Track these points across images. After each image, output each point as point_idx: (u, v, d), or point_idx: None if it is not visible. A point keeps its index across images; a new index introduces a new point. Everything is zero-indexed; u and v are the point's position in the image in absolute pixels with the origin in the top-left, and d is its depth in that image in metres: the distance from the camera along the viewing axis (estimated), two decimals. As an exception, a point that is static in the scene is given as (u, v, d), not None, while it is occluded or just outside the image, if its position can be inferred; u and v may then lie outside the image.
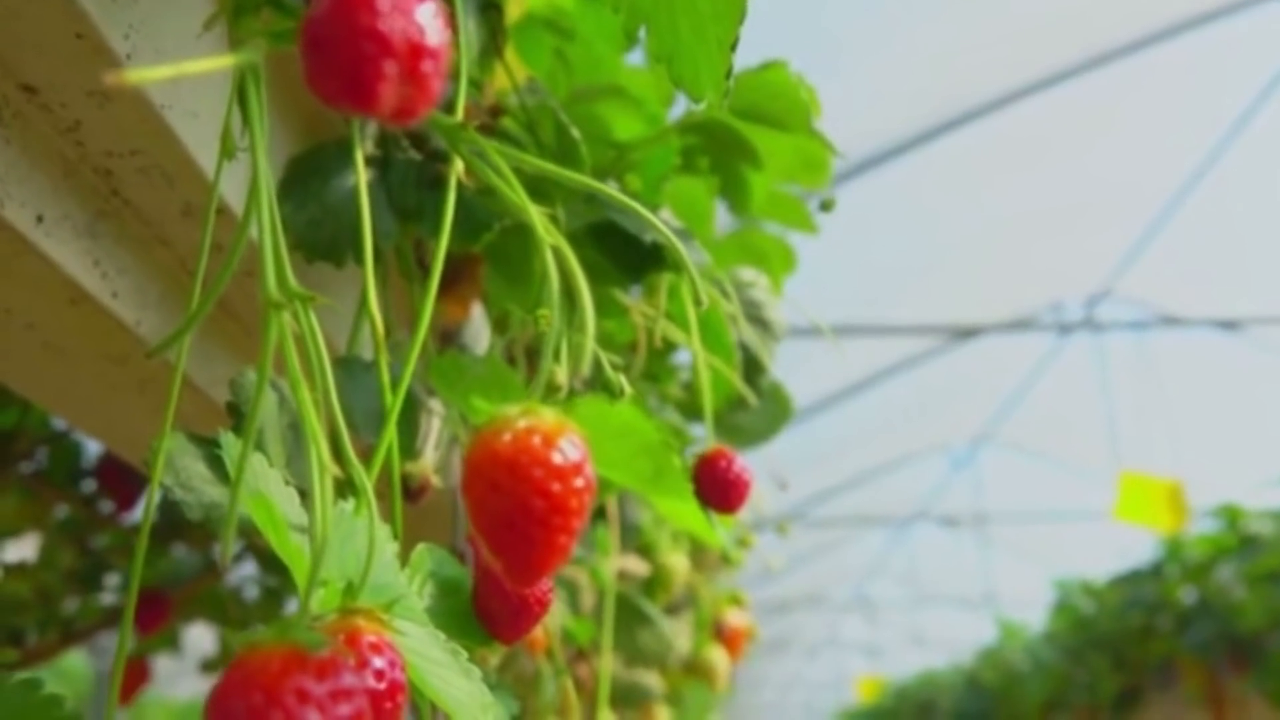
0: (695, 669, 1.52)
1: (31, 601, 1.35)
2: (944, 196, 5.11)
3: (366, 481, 0.41)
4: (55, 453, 1.36)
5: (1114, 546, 5.12)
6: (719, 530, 0.77)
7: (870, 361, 6.18)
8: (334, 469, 0.35)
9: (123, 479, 1.41)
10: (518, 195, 0.43)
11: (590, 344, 0.36)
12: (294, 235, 0.68)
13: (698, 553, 1.57)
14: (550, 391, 0.67)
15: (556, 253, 0.40)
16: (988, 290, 5.71)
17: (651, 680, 1.55)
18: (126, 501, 1.44)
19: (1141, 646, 4.19)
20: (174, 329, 0.48)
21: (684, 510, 0.76)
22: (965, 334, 5.42)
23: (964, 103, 4.19)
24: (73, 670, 5.96)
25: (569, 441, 0.35)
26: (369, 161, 0.73)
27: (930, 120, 4.25)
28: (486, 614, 0.61)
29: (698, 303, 0.45)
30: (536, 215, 0.41)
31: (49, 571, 1.39)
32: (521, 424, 0.35)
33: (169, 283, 0.68)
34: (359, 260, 0.66)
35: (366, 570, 0.40)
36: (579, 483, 0.34)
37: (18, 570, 1.27)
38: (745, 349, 1.18)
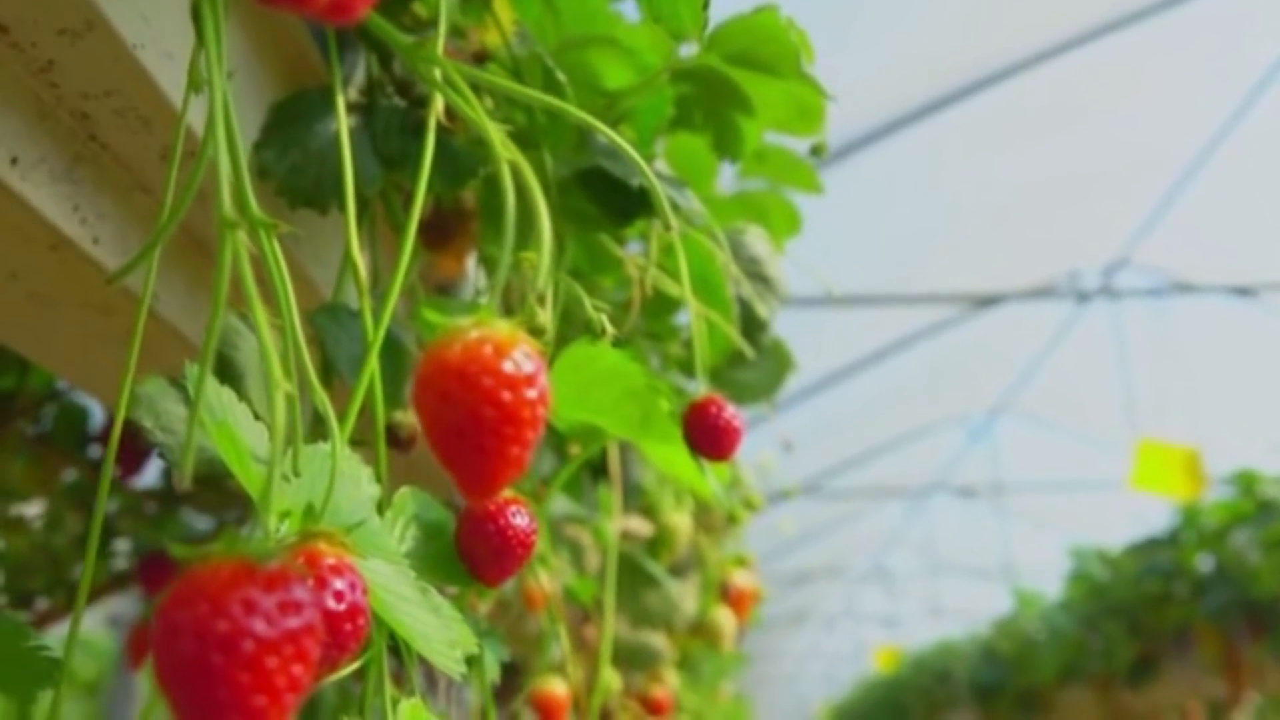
0: (702, 630, 1.52)
1: (40, 565, 1.36)
2: (960, 164, 5.07)
3: (329, 406, 0.41)
4: (62, 417, 1.36)
5: (1131, 516, 5.10)
6: (710, 479, 0.77)
7: (887, 332, 6.16)
8: (289, 386, 0.34)
9: (129, 444, 1.41)
10: (475, 112, 0.42)
11: (546, 259, 0.36)
12: (277, 181, 0.68)
13: (704, 515, 1.57)
14: (535, 335, 0.67)
15: (514, 169, 0.39)
16: (1005, 259, 5.67)
17: (658, 642, 1.55)
18: (132, 466, 1.44)
19: (1157, 614, 4.18)
20: (135, 255, 0.47)
21: (674, 457, 0.76)
22: (984, 303, 5.38)
23: (981, 69, 4.15)
24: (95, 644, 6.04)
25: (522, 353, 0.34)
26: (354, 108, 0.73)
27: (946, 86, 4.21)
28: (469, 556, 0.61)
29: (666, 227, 0.45)
30: (493, 130, 0.40)
31: (56, 534, 1.40)
32: (473, 334, 0.34)
33: (151, 230, 0.68)
34: (342, 207, 0.66)
35: (328, 494, 0.39)
36: (531, 393, 0.34)
37: (16, 524, 1.28)
38: (745, 305, 1.17)
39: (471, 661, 0.76)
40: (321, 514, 0.39)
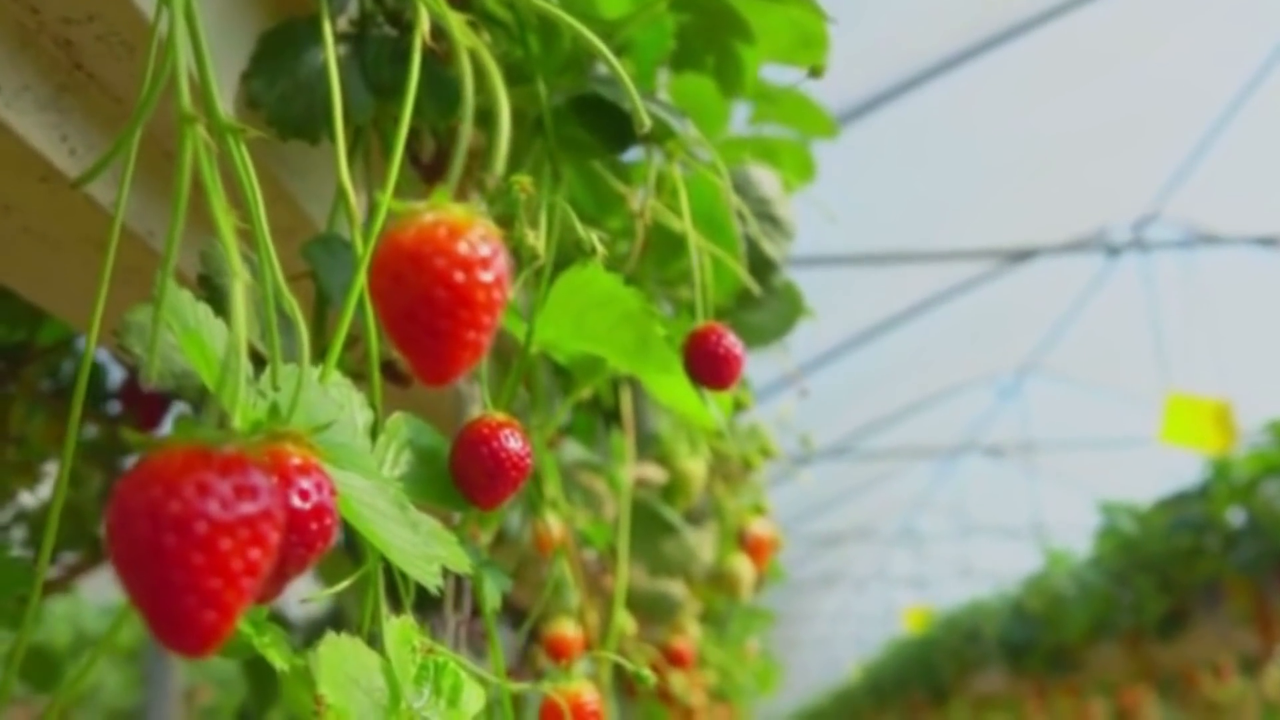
0: (720, 580, 1.52)
1: (62, 520, 1.38)
2: (989, 118, 5.01)
3: (295, 306, 0.40)
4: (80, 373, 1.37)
5: (1162, 472, 5.05)
6: (714, 410, 0.76)
7: (917, 291, 6.11)
8: (247, 276, 0.34)
9: (146, 399, 1.42)
10: (457, 28, 0.42)
11: (504, 141, 0.35)
12: (266, 111, 0.67)
13: (722, 464, 1.57)
14: (530, 260, 0.66)
15: (474, 57, 0.38)
16: (1036, 214, 5.61)
17: (676, 590, 1.55)
18: (150, 422, 1.45)
19: (1188, 568, 4.15)
20: (101, 157, 0.47)
21: (673, 386, 0.75)
22: (1016, 257, 5.33)
23: (1010, 19, 4.09)
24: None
25: (479, 235, 0.33)
26: (345, 38, 0.72)
27: (975, 38, 4.14)
28: (463, 479, 0.61)
29: (640, 125, 0.44)
30: (454, 21, 0.39)
31: (78, 491, 1.41)
32: (428, 217, 0.33)
33: (142, 162, 0.67)
34: (332, 137, 0.65)
35: (296, 396, 0.39)
36: (486, 276, 0.33)
37: (37, 480, 1.29)
38: (753, 245, 1.16)
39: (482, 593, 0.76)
40: (289, 417, 0.39)
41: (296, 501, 0.36)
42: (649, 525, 1.44)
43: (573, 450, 1.23)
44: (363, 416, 0.58)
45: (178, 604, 0.29)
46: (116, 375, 1.46)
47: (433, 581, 0.46)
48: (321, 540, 0.37)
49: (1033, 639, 5.96)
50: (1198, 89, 4.64)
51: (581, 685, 0.74)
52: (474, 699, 0.51)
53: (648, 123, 0.47)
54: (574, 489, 1.22)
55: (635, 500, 1.36)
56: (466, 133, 0.36)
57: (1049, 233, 5.34)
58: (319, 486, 0.37)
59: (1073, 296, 6.44)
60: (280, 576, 0.36)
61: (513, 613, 1.60)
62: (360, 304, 0.65)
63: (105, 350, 1.24)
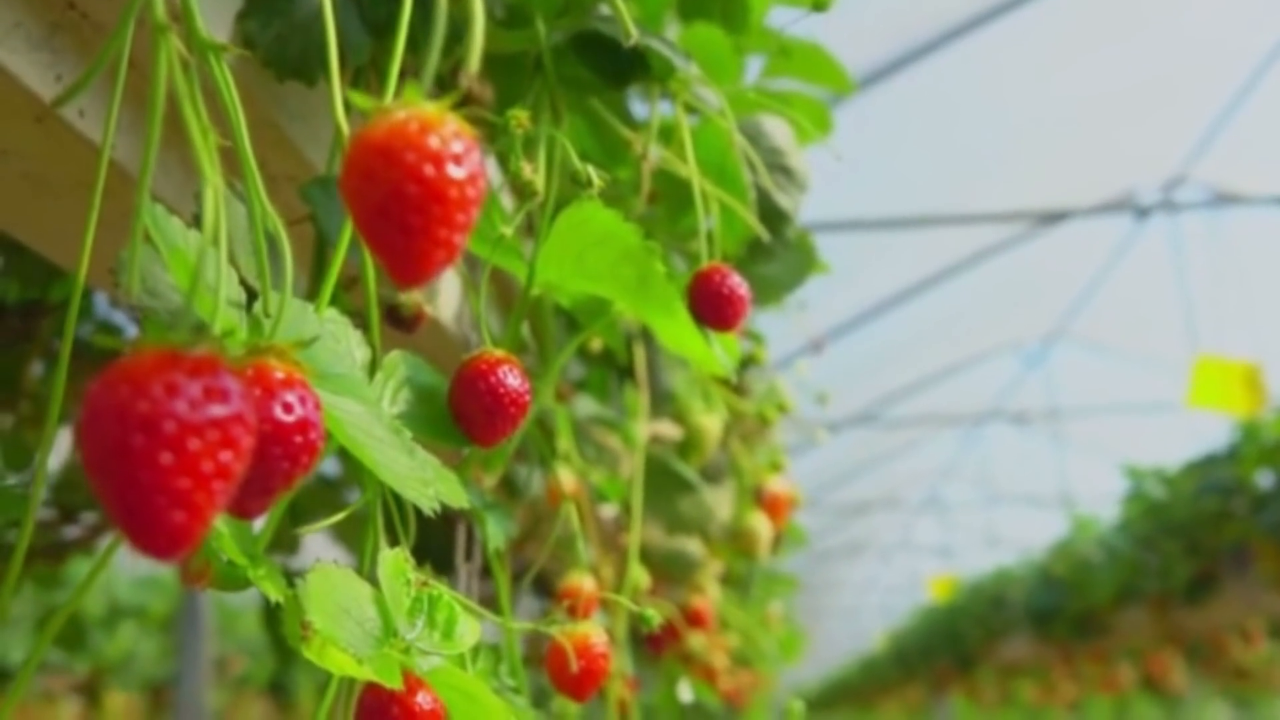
0: (737, 537, 1.51)
1: (80, 480, 1.39)
2: (1016, 79, 4.95)
3: (279, 225, 0.40)
4: (98, 332, 1.38)
5: (1191, 438, 5.00)
6: (719, 352, 0.75)
7: (940, 257, 6.07)
8: (217, 180, 0.33)
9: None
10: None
11: (478, 37, 0.34)
12: (262, 52, 0.67)
13: (738, 422, 1.56)
14: (527, 194, 0.66)
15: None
16: (1063, 177, 5.55)
17: (694, 548, 1.55)
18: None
19: (1215, 531, 4.11)
20: (78, 79, 0.46)
21: (680, 331, 0.75)
22: (1046, 219, 5.27)
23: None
24: (165, 582, 6.23)
25: (451, 130, 0.33)
26: (341, -22, 0.71)
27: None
28: (462, 416, 0.60)
29: (627, 36, 0.43)
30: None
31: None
32: (399, 114, 0.33)
33: (139, 106, 0.67)
34: (329, 78, 0.65)
35: (281, 311, 0.39)
36: (458, 172, 0.32)
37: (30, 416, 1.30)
38: (765, 196, 1.15)
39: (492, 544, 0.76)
40: (273, 333, 0.38)
41: (279, 413, 0.36)
42: (665, 482, 1.43)
43: (586, 405, 1.22)
44: (361, 352, 0.58)
45: (147, 504, 0.29)
46: (132, 330, 1.46)
47: (428, 504, 0.46)
48: (307, 455, 0.36)
49: (1059, 605, 5.94)
50: (1226, 49, 4.56)
51: (589, 629, 0.74)
52: (469, 632, 0.51)
53: (634, 34, 0.46)
54: (588, 444, 1.22)
55: (651, 457, 1.35)
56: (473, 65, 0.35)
57: (1077, 196, 5.28)
58: (303, 400, 0.36)
59: (1099, 262, 6.38)
60: (266, 491, 0.36)
61: (535, 580, 1.61)
62: (356, 243, 0.64)
63: (121, 308, 1.25)
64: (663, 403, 1.41)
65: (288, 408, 0.36)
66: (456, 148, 0.32)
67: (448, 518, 1.14)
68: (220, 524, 0.48)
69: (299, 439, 0.36)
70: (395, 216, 0.31)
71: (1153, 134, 5.19)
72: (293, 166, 0.77)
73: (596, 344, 1.20)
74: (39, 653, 0.48)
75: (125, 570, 6.23)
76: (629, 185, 1.08)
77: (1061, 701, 8.64)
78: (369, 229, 0.32)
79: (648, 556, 1.53)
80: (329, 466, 1.73)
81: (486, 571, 1.00)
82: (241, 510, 0.36)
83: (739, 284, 0.73)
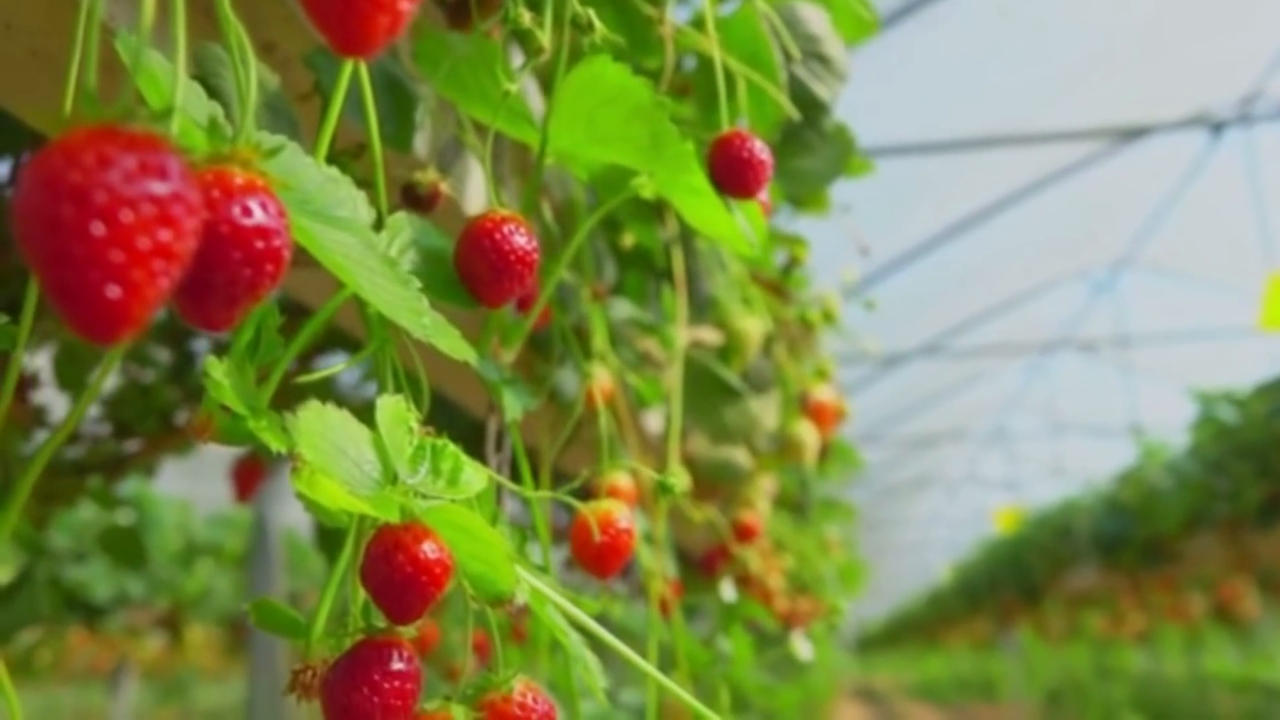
0: (783, 445, 1.50)
1: (131, 397, 1.41)
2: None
3: (243, 36, 0.38)
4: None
5: (1266, 362, 4.87)
6: (740, 220, 0.73)
7: (1005, 180, 5.93)
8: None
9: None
10: None
11: None
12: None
13: (783, 328, 1.54)
14: (534, 52, 0.63)
15: None
16: (1138, 95, 5.38)
17: (740, 457, 1.54)
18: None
19: (1287, 453, 4.02)
20: None
21: (698, 198, 0.72)
22: (1123, 136, 5.13)
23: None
24: (238, 519, 6.40)
25: None
26: None
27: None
28: (468, 276, 0.59)
29: None
30: None
31: (148, 367, 1.45)
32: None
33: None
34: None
35: (245, 110, 0.37)
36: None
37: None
38: (801, 85, 1.11)
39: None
40: (239, 133, 0.37)
41: (238, 215, 0.34)
42: (709, 390, 1.41)
43: (623, 308, 1.21)
44: (365, 211, 0.56)
45: (80, 279, 0.28)
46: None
47: (419, 327, 0.45)
48: (270, 263, 0.35)
49: (1127, 533, 5.85)
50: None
51: (613, 505, 0.73)
52: (475, 480, 0.50)
53: None
54: (625, 348, 1.21)
55: (694, 363, 1.34)
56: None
57: (1151, 114, 5.13)
58: (264, 206, 0.35)
59: (1169, 185, 6.20)
60: (230, 300, 0.35)
61: (578, 491, 1.61)
62: (361, 110, 0.63)
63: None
64: (702, 309, 1.39)
65: (247, 211, 0.35)
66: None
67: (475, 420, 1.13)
68: (220, 374, 0.47)
69: (260, 244, 0.35)
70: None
71: (1228, 49, 5.01)
72: (303, 45, 0.75)
73: (629, 240, 1.18)
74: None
75: (201, 510, 6.42)
76: (657, 73, 1.05)
77: (1130, 632, 8.56)
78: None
79: (693, 466, 1.52)
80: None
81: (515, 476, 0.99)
82: (207, 320, 0.35)
83: (760, 148, 0.71)
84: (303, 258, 0.81)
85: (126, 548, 1.57)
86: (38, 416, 1.47)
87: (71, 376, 1.50)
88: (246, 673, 3.99)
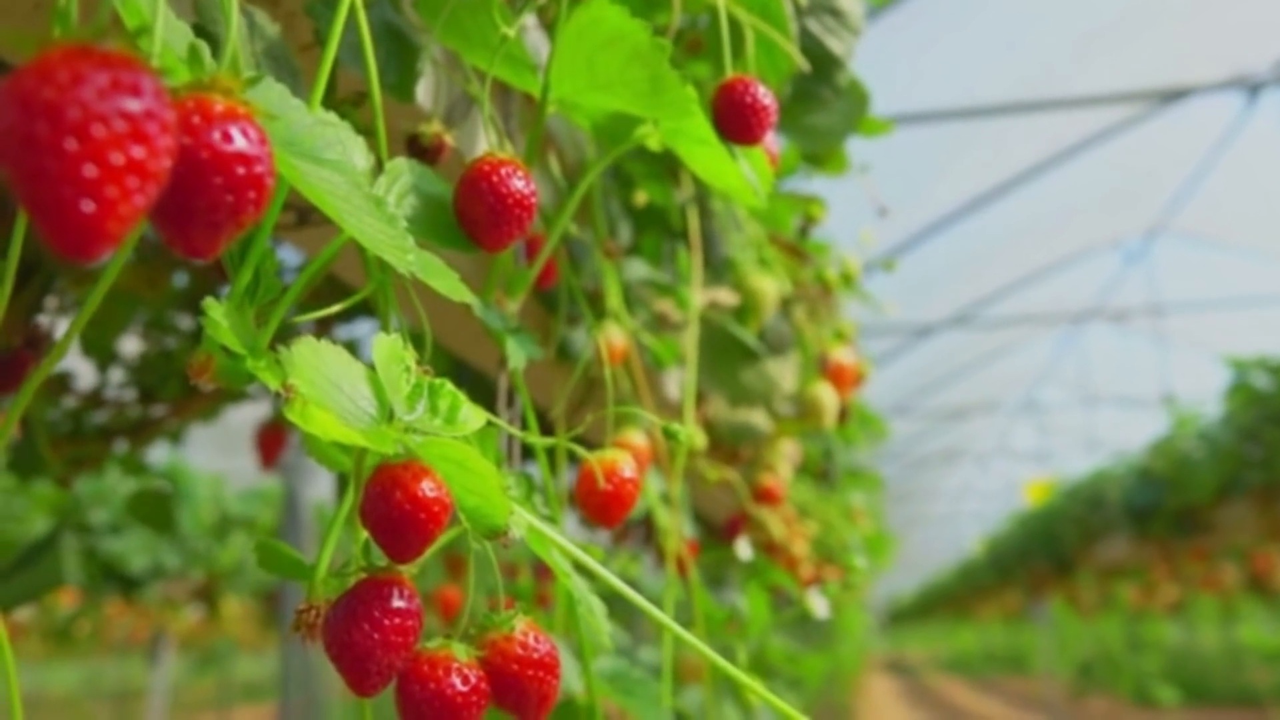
0: (802, 407, 1.49)
1: (154, 362, 1.43)
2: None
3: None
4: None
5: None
6: (744, 166, 0.73)
7: (1037, 147, 5.87)
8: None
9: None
10: None
11: None
12: None
13: (801, 288, 1.53)
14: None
15: None
16: (1174, 58, 5.30)
17: (759, 419, 1.54)
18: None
19: (1323, 419, 3.96)
20: None
21: (701, 145, 0.72)
22: (1160, 98, 5.05)
23: None
24: (270, 492, 6.48)
25: None
26: None
27: None
28: (466, 220, 0.59)
29: None
30: None
31: (171, 335, 1.46)
32: None
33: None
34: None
35: (229, 38, 0.38)
36: None
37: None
38: (814, 40, 1.10)
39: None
40: (224, 64, 0.37)
41: (218, 141, 0.35)
42: (726, 352, 1.41)
43: (638, 268, 1.21)
44: (361, 158, 0.57)
45: (55, 195, 0.28)
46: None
47: (405, 266, 0.45)
48: (252, 189, 0.35)
49: (1159, 502, 5.80)
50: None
51: (618, 454, 0.73)
52: (473, 419, 0.50)
53: None
54: (640, 307, 1.21)
55: (711, 324, 1.34)
56: None
57: (1189, 75, 5.05)
58: (245, 133, 0.35)
59: (1203, 153, 6.11)
60: (213, 225, 0.35)
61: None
62: (360, 57, 0.63)
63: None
64: (719, 271, 1.39)
65: (227, 137, 0.35)
66: None
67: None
68: (219, 315, 0.48)
69: (241, 170, 0.35)
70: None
71: (1266, 10, 4.93)
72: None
73: (642, 199, 1.18)
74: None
75: (234, 484, 6.51)
76: (667, 28, 1.05)
77: (1162, 603, 8.51)
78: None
79: (712, 429, 1.52)
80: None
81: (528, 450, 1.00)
82: (191, 246, 0.35)
83: (763, 93, 0.70)
84: (315, 216, 0.82)
85: (155, 512, 1.59)
86: (63, 383, 1.49)
87: (97, 343, 1.52)
88: (280, 645, 4.05)
